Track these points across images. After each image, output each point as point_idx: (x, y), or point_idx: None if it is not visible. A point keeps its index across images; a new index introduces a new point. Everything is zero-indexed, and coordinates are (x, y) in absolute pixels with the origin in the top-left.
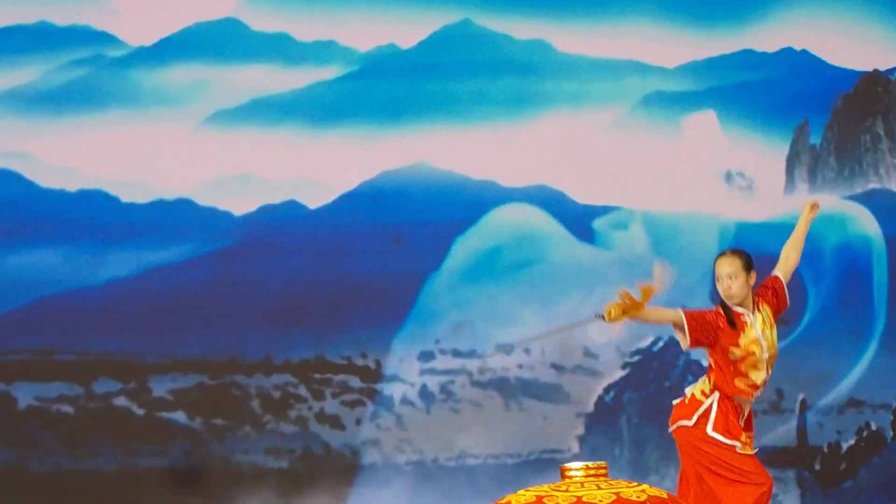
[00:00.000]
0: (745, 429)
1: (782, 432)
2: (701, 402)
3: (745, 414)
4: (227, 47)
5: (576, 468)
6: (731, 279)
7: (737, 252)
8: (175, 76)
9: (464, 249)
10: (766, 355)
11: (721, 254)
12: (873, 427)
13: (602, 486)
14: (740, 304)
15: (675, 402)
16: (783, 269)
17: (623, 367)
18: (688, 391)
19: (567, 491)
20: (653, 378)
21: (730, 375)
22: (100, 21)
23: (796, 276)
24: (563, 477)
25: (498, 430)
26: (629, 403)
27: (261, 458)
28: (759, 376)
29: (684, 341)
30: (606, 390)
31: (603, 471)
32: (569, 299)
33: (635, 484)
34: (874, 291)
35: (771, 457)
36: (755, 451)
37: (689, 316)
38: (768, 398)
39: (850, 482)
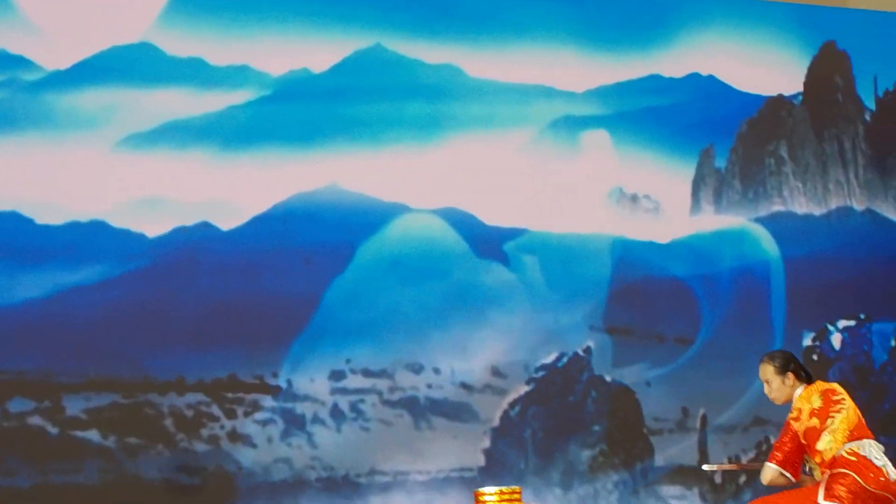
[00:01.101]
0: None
1: (686, 449)
2: None
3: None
4: (141, 71)
5: (489, 493)
6: (768, 385)
7: (772, 357)
8: (90, 99)
9: (370, 263)
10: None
11: (761, 359)
12: (772, 441)
13: None
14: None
15: None
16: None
17: (528, 383)
18: None
19: None
20: (556, 393)
21: None
22: (15, 45)
23: (692, 295)
24: (477, 502)
25: (408, 448)
26: (533, 418)
27: (174, 476)
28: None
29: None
30: (512, 405)
31: (517, 495)
32: (477, 320)
33: None
34: (772, 312)
35: (674, 474)
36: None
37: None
38: (674, 417)
39: (749, 493)
